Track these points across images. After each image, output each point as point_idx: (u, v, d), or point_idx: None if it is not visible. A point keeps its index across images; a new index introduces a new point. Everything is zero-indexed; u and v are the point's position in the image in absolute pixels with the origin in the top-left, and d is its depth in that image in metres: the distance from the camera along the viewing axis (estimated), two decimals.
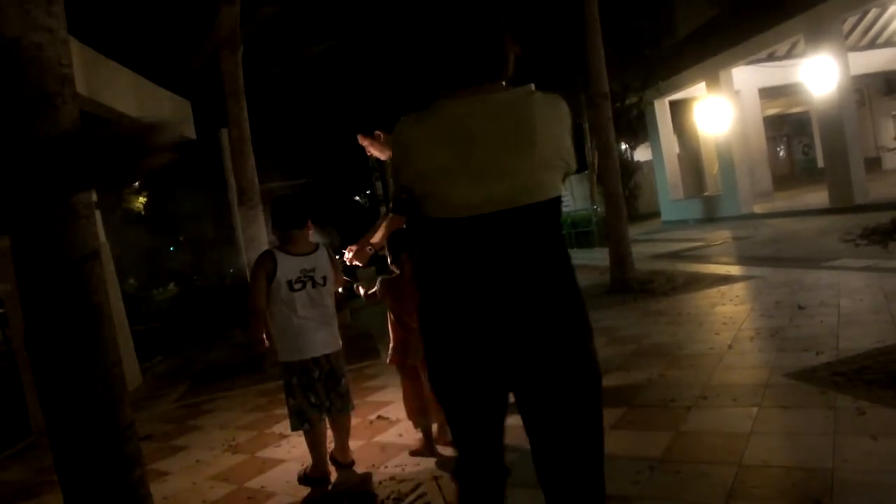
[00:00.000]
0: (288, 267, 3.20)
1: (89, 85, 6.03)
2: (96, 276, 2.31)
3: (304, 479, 3.32)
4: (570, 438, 1.58)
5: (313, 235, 3.40)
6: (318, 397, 3.28)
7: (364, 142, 3.45)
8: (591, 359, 1.58)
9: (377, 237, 3.47)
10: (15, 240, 2.22)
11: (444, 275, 1.61)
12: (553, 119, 1.57)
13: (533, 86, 1.77)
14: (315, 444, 3.30)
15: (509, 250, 1.54)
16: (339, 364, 3.38)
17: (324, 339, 3.30)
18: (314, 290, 3.26)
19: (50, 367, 2.22)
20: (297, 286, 3.21)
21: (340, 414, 3.38)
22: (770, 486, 2.49)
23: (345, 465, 3.40)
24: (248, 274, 7.24)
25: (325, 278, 3.29)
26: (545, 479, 1.63)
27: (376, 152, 3.49)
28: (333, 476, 3.33)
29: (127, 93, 7.03)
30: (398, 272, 3.43)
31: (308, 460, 3.36)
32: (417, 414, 3.40)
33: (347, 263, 3.51)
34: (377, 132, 3.45)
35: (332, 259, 3.41)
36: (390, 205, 3.53)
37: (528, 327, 1.52)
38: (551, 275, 1.56)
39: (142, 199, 14.64)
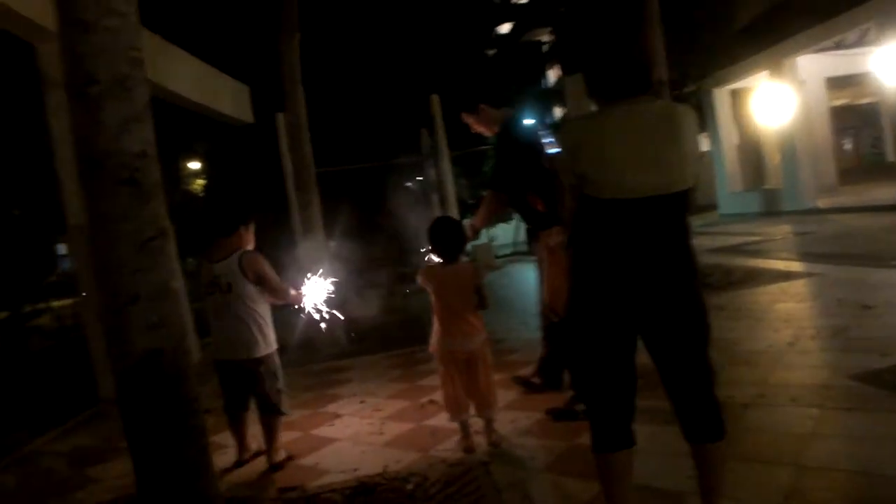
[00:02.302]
0: (205, 273, 3.52)
1: (154, 70, 6.21)
2: (165, 254, 2.40)
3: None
4: (690, 362, 2.09)
5: (245, 240, 3.55)
6: (235, 396, 3.54)
7: (469, 119, 3.67)
8: (703, 308, 2.10)
9: (479, 220, 3.86)
10: (91, 218, 2.31)
11: (603, 244, 2.05)
12: (692, 124, 2.07)
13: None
14: (235, 433, 3.62)
15: (654, 228, 2.01)
16: (258, 369, 3.47)
17: (225, 344, 3.49)
18: (220, 295, 3.46)
19: (121, 340, 2.32)
20: (209, 291, 3.49)
21: (264, 415, 3.53)
22: (830, 489, 2.43)
23: (275, 463, 3.51)
24: (302, 252, 7.38)
25: (229, 284, 3.43)
26: (674, 392, 2.13)
27: (482, 128, 3.68)
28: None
29: (189, 78, 7.22)
30: (440, 260, 3.41)
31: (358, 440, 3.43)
32: (454, 407, 3.36)
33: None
34: (481, 106, 3.64)
35: (254, 267, 3.47)
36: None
37: (662, 283, 2.01)
38: (681, 248, 2.06)
39: (200, 182, 15.05)
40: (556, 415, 3.54)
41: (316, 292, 3.76)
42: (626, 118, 2.03)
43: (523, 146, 3.56)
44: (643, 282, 2.01)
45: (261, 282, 3.47)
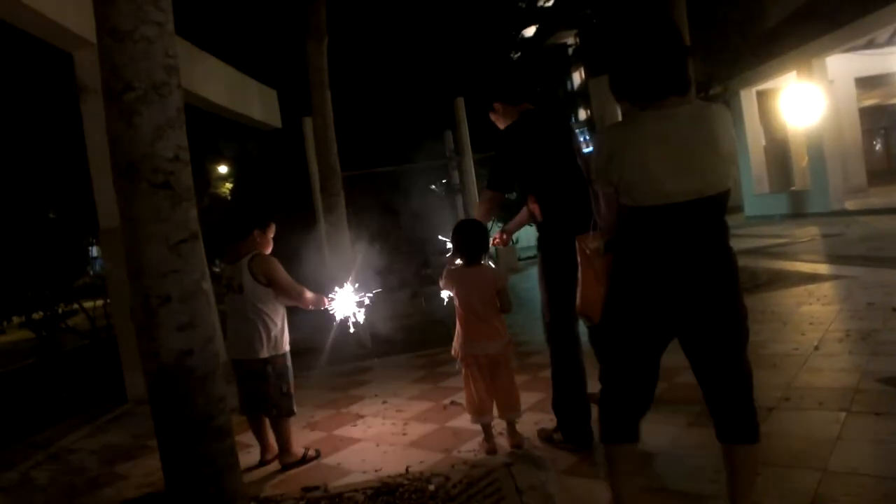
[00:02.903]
0: (223, 274, 3.73)
1: (186, 76, 6.33)
2: (196, 255, 2.46)
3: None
4: (728, 364, 2.09)
5: (259, 244, 3.61)
6: (244, 395, 3.62)
7: (492, 118, 3.57)
8: (741, 312, 2.07)
9: (512, 225, 3.81)
10: (124, 221, 2.38)
11: (645, 251, 2.06)
12: (727, 124, 2.04)
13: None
14: (255, 433, 3.70)
15: (694, 232, 2.01)
16: (264, 369, 3.52)
17: (236, 343, 3.59)
18: (233, 296, 3.58)
19: (152, 340, 2.38)
20: (225, 291, 3.63)
21: (270, 416, 3.59)
22: (858, 494, 2.40)
23: (286, 464, 3.56)
24: (327, 255, 7.46)
25: (240, 286, 3.52)
26: (710, 393, 2.14)
27: (502, 126, 3.54)
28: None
29: (219, 84, 7.35)
30: (463, 263, 3.42)
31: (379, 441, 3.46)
32: (477, 409, 3.37)
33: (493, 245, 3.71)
34: (496, 104, 3.50)
35: (263, 270, 3.53)
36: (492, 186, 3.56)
37: (704, 287, 2.01)
38: (722, 250, 2.05)
39: (228, 185, 15.26)
40: (545, 437, 3.42)
41: (344, 300, 3.79)
42: (661, 122, 2.00)
43: (525, 145, 3.31)
44: (685, 286, 2.02)
45: (271, 284, 3.53)
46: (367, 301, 3.84)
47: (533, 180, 3.33)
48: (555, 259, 3.25)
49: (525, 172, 3.34)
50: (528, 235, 14.61)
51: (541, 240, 3.37)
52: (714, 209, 2.02)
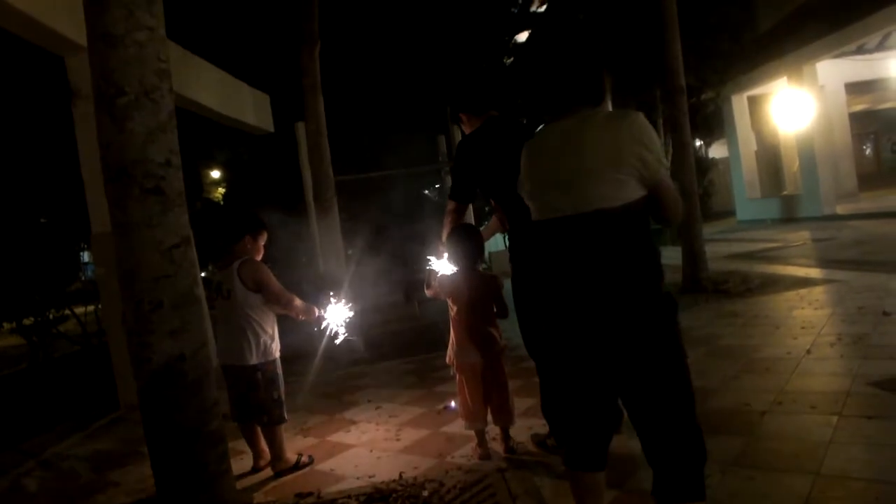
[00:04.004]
0: (213, 279, 3.68)
1: (178, 80, 6.31)
2: (188, 260, 2.45)
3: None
4: (658, 419, 1.85)
5: (250, 250, 3.59)
6: (234, 401, 3.59)
7: (462, 126, 3.58)
8: (668, 359, 1.83)
9: (487, 231, 3.75)
10: (116, 226, 2.37)
11: (536, 263, 1.98)
12: (612, 133, 1.82)
13: (608, 108, 1.93)
14: (247, 439, 3.69)
15: (583, 247, 1.86)
16: (254, 376, 3.50)
17: (226, 349, 3.56)
18: (223, 302, 3.55)
19: (144, 345, 2.37)
20: (214, 297, 3.62)
21: (260, 423, 3.57)
22: (850, 498, 2.41)
23: (278, 470, 3.54)
24: (320, 262, 7.45)
25: (229, 291, 3.51)
26: (644, 443, 1.91)
27: (466, 132, 3.53)
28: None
29: (211, 88, 7.33)
30: (453, 269, 3.39)
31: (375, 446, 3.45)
32: (471, 415, 3.35)
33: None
34: (461, 115, 3.49)
35: (252, 275, 3.50)
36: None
37: (602, 315, 1.83)
38: (632, 275, 1.82)
39: (221, 190, 15.23)
40: (538, 442, 3.41)
41: (334, 311, 3.75)
42: (547, 136, 1.96)
43: (480, 152, 3.27)
44: (579, 311, 1.86)
45: (260, 289, 3.50)
46: (355, 312, 3.82)
47: (494, 188, 3.29)
48: (520, 268, 3.20)
49: (485, 180, 3.31)
50: None
51: (510, 248, 3.33)
52: (606, 225, 1.82)
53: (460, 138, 3.66)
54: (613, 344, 1.82)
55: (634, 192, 1.81)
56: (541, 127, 2.01)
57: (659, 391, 1.82)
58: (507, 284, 3.30)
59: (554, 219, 1.90)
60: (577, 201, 1.84)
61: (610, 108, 2.14)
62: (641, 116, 1.85)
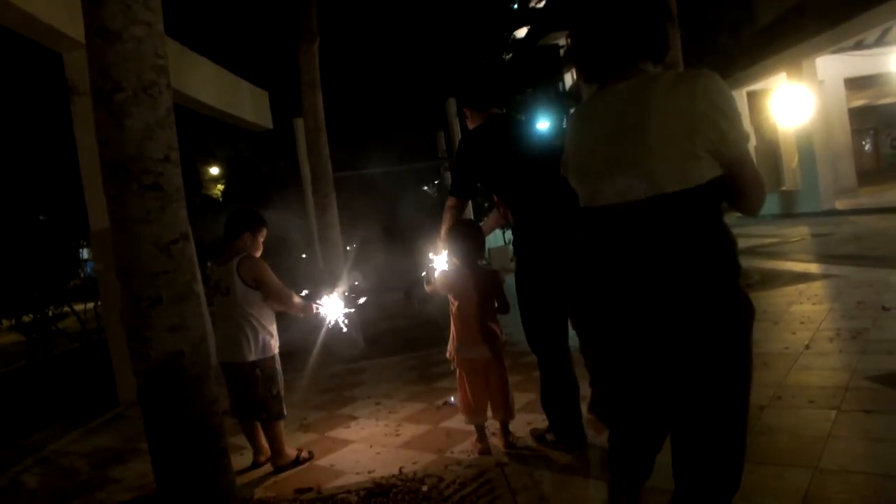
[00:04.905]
0: (211, 276, 3.70)
1: (175, 76, 6.30)
2: (186, 257, 2.45)
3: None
4: (703, 426, 1.60)
5: (249, 247, 3.59)
6: (234, 398, 3.59)
7: (466, 121, 3.59)
8: (733, 353, 1.58)
9: (486, 227, 3.74)
10: (114, 222, 2.37)
11: (589, 259, 1.71)
12: (683, 98, 1.49)
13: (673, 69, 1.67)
14: (247, 435, 3.68)
15: (648, 240, 1.54)
16: (253, 372, 3.50)
17: (224, 346, 3.56)
18: (221, 298, 3.55)
19: (143, 341, 2.37)
20: (212, 293, 3.63)
21: (260, 419, 3.57)
22: (849, 492, 2.41)
23: (278, 466, 3.55)
24: (320, 257, 7.44)
25: (228, 288, 3.50)
26: (680, 454, 1.65)
27: (470, 127, 3.54)
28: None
29: (208, 83, 7.31)
30: (461, 265, 3.39)
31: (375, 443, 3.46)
32: (471, 410, 3.36)
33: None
34: (465, 110, 3.51)
35: (251, 272, 3.50)
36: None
37: (659, 312, 1.56)
38: (688, 268, 1.51)
39: (220, 187, 15.22)
40: (537, 436, 3.41)
41: (332, 306, 3.76)
42: (601, 104, 1.64)
43: (483, 149, 3.29)
44: (640, 312, 1.59)
45: (259, 286, 3.50)
46: (354, 308, 3.82)
47: (497, 183, 3.33)
48: (525, 261, 3.24)
49: (488, 176, 3.34)
50: None
51: (514, 242, 3.37)
52: (674, 215, 1.51)
53: (461, 135, 3.68)
54: (675, 348, 1.57)
55: (709, 171, 1.49)
56: (592, 93, 1.70)
57: (712, 405, 1.57)
58: (508, 280, 3.31)
59: (611, 206, 1.60)
60: (639, 184, 1.52)
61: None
62: (717, 77, 1.52)
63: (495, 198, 3.52)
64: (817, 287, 6.33)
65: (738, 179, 1.53)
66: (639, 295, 1.57)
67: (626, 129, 1.54)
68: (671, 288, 1.52)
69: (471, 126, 3.48)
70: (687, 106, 1.48)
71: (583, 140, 1.68)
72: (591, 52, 1.68)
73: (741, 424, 1.61)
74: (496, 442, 3.40)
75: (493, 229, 3.85)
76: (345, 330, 3.76)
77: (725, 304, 1.54)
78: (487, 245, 3.98)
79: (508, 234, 13.20)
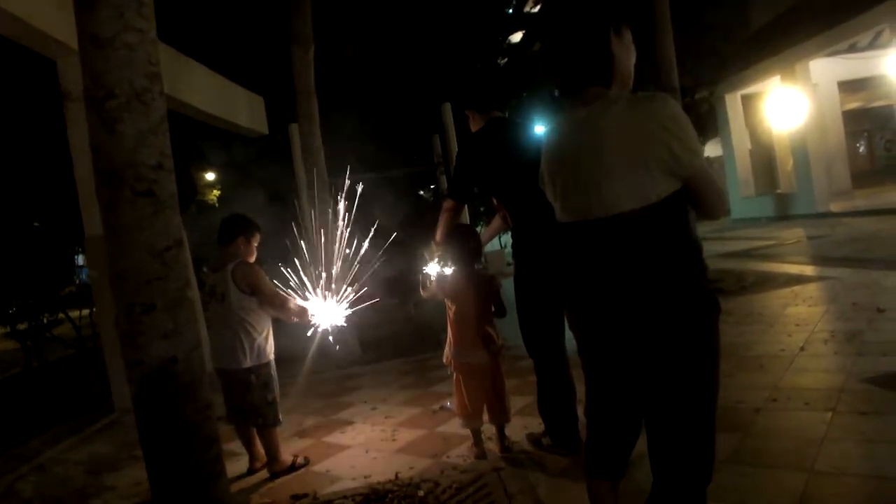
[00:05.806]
0: (206, 282, 3.64)
1: (170, 82, 6.29)
2: (180, 263, 2.44)
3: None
4: (672, 423, 1.69)
5: (243, 252, 3.58)
6: (229, 404, 3.59)
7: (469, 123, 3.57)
8: (694, 357, 1.66)
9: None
10: (107, 229, 2.36)
11: (565, 267, 1.81)
12: (634, 121, 1.58)
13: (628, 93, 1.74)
14: (243, 441, 3.68)
15: (611, 253, 1.65)
16: (247, 379, 3.49)
17: (218, 352, 3.55)
18: (216, 304, 3.55)
19: (137, 348, 2.36)
20: (207, 299, 3.61)
21: (255, 425, 3.57)
22: (844, 494, 2.42)
23: (274, 472, 3.54)
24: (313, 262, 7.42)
25: (223, 294, 3.49)
26: (654, 448, 1.74)
27: (473, 129, 3.52)
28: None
29: (204, 90, 7.31)
30: (458, 269, 3.39)
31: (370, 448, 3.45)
32: (467, 414, 3.36)
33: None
34: (467, 112, 3.50)
35: (246, 278, 3.48)
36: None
37: (624, 317, 1.67)
38: (655, 274, 1.61)
39: (216, 192, 15.19)
40: (533, 441, 3.42)
41: (327, 312, 3.74)
42: (564, 127, 1.76)
43: (484, 152, 3.30)
44: (610, 315, 1.70)
45: (254, 292, 3.49)
46: (349, 313, 3.81)
47: (497, 187, 3.33)
48: (524, 265, 3.24)
49: (488, 179, 3.33)
50: None
51: (513, 246, 3.37)
52: (634, 230, 1.60)
53: (456, 139, 3.67)
54: (642, 345, 1.66)
55: (668, 187, 1.59)
56: (559, 115, 1.80)
57: (681, 398, 1.66)
58: (505, 284, 3.31)
59: (577, 222, 1.71)
60: (600, 203, 1.62)
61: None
62: (669, 99, 1.61)
63: (495, 202, 3.52)
64: (812, 289, 6.35)
65: (696, 192, 1.64)
66: (608, 302, 1.69)
67: (583, 151, 1.66)
68: (637, 293, 1.62)
69: (473, 128, 3.48)
70: (640, 129, 1.58)
71: (551, 159, 1.79)
72: (548, 76, 1.79)
73: (709, 416, 1.70)
74: (492, 446, 3.40)
75: (494, 235, 3.83)
76: (331, 339, 3.73)
77: (689, 302, 1.64)
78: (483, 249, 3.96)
79: (505, 238, 13.21)
